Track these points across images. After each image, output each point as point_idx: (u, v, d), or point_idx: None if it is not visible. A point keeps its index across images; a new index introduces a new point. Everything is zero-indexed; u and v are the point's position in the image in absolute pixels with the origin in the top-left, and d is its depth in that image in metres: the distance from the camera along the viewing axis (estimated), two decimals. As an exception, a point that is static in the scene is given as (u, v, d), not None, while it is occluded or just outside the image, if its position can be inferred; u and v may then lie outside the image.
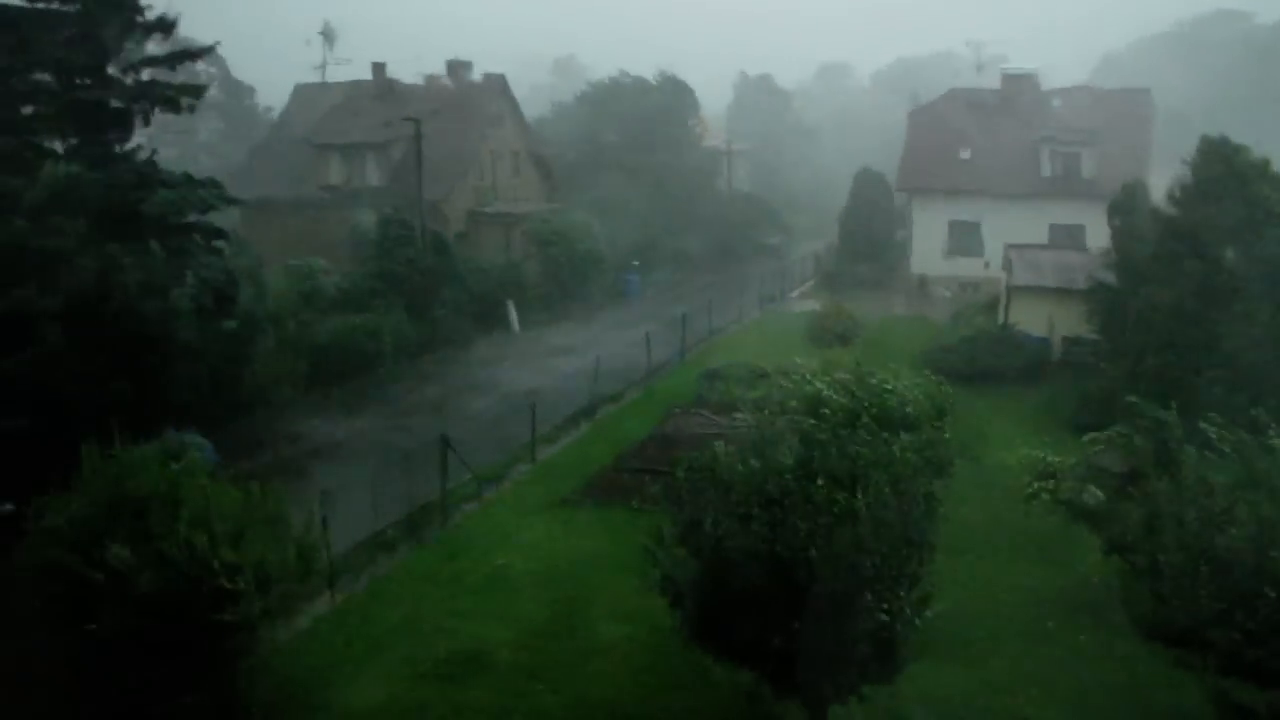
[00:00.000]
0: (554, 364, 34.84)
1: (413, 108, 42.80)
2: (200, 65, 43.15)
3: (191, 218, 26.11)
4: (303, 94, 55.02)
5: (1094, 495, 16.73)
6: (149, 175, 25.35)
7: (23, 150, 24.09)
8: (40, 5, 24.31)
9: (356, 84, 53.47)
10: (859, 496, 11.57)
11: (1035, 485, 17.90)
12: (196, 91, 27.49)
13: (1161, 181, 28.61)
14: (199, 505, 13.53)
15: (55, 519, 13.67)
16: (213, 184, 27.43)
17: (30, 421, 19.52)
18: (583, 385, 29.00)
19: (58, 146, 25.37)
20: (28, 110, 24.93)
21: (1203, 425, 14.98)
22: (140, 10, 25.33)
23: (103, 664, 13.27)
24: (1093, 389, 26.29)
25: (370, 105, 49.69)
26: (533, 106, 57.32)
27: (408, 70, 52.87)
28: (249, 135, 64.01)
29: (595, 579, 18.13)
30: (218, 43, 28.40)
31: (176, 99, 26.26)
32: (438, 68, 52.41)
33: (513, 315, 40.11)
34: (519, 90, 52.14)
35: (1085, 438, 18.88)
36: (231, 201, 28.20)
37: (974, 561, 18.09)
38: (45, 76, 24.92)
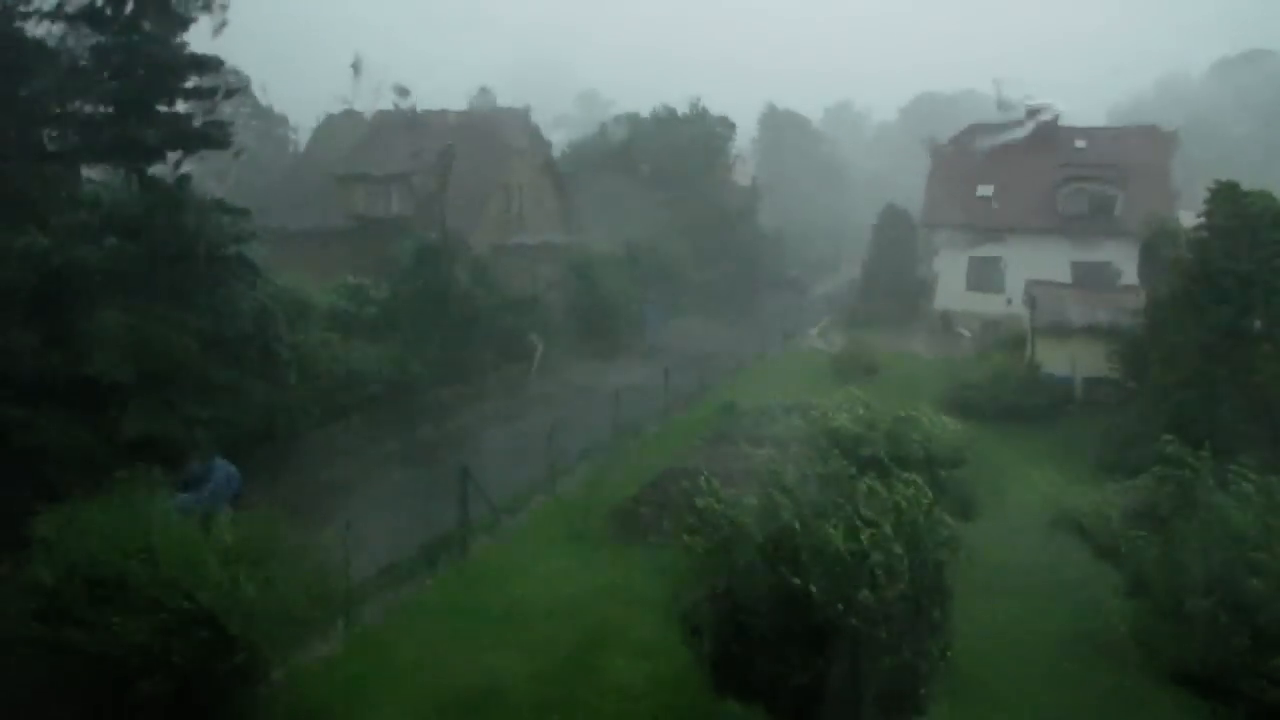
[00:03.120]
0: (575, 397, 35.00)
1: (437, 139, 43.14)
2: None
3: (230, 249, 26.34)
4: (329, 124, 55.61)
5: (1115, 531, 16.46)
6: (183, 200, 25.58)
7: (62, 177, 24.33)
8: (88, 39, 24.61)
9: (382, 114, 53.99)
10: (876, 536, 11.47)
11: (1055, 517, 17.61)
12: (227, 133, 27.89)
13: (1187, 221, 28.38)
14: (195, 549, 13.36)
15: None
16: (241, 213, 27.73)
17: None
18: (603, 417, 28.97)
19: (96, 176, 25.65)
20: (64, 137, 25.19)
21: (1233, 468, 14.71)
22: (184, 46, 25.62)
23: (101, 701, 13.00)
24: (1113, 428, 26.08)
25: (395, 136, 50.13)
26: (555, 138, 57.87)
27: (433, 102, 53.46)
28: (278, 164, 64.72)
29: (613, 613, 18.01)
30: (246, 86, 28.72)
31: (214, 137, 26.62)
32: (462, 102, 53.07)
33: (537, 348, 40.19)
34: (541, 122, 52.76)
35: (1127, 482, 18.37)
36: (256, 235, 28.47)
37: (995, 601, 17.87)
38: (85, 107, 25.19)
